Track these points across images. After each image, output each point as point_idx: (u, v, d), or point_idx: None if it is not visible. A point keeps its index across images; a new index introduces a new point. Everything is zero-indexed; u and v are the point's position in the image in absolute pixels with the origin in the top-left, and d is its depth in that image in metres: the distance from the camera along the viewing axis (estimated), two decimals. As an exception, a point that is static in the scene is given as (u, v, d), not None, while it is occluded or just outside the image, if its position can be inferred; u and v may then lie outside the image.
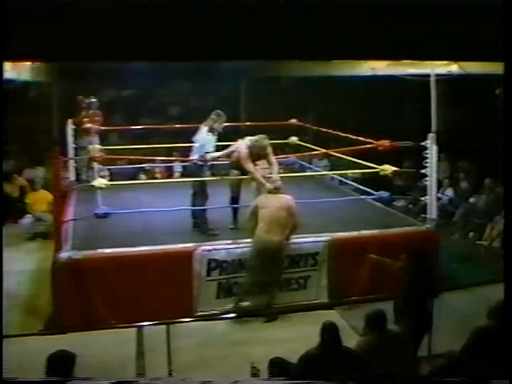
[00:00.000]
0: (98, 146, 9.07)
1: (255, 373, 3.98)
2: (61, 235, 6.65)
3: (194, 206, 7.31)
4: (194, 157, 7.28)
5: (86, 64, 8.50)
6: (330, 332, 4.20)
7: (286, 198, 6.70)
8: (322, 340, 4.17)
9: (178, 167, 11.48)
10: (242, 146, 7.18)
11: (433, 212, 7.52)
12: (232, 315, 6.49)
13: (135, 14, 3.23)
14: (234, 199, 7.36)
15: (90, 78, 11.35)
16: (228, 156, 7.43)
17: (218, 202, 7.39)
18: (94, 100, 10.37)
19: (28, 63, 8.44)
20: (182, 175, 10.07)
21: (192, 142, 7.44)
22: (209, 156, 7.24)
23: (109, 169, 10.14)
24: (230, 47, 3.44)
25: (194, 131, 7.50)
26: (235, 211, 7.35)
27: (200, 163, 7.21)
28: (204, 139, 7.24)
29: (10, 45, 3.02)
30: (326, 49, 3.51)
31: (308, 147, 9.92)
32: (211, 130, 7.29)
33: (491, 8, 3.21)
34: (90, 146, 9.08)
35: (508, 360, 3.28)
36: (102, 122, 10.25)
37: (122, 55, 3.59)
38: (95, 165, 9.43)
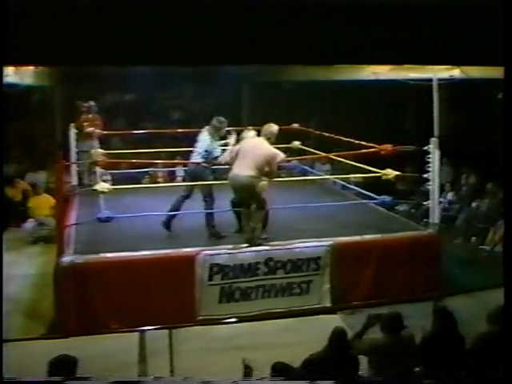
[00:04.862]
0: (101, 150, 9.09)
1: (247, 371, 3.98)
2: (63, 239, 6.66)
3: (177, 209, 7.29)
4: (197, 159, 7.27)
5: (88, 68, 8.53)
6: (338, 338, 4.23)
7: (271, 149, 6.66)
8: (329, 344, 4.20)
9: (180, 171, 11.48)
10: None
11: (435, 216, 7.51)
12: (233, 319, 6.48)
13: (137, 18, 3.24)
14: (236, 203, 7.32)
15: (93, 83, 11.39)
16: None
17: (217, 206, 7.39)
18: (92, 104, 10.36)
19: (31, 68, 8.47)
20: (184, 179, 10.04)
21: (194, 146, 7.45)
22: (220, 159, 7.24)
23: (111, 173, 10.15)
24: (232, 52, 3.44)
25: (197, 135, 7.49)
26: (238, 215, 7.33)
27: (205, 166, 7.22)
28: (209, 143, 7.24)
29: (11, 49, 3.03)
30: (328, 53, 3.52)
31: (310, 152, 9.92)
32: (213, 136, 7.30)
33: (491, 13, 3.22)
34: (93, 150, 9.09)
35: (508, 365, 3.28)
36: (101, 125, 10.25)
37: (125, 60, 3.60)
38: (97, 169, 9.46)
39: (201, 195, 7.25)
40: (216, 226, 7.22)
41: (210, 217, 7.24)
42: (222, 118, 7.37)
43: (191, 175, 7.51)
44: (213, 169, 7.54)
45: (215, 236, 7.14)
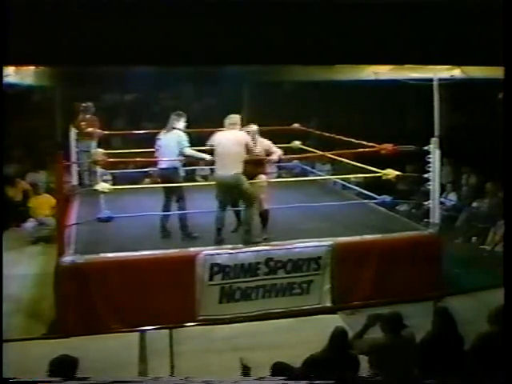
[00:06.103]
0: (101, 150, 9.08)
1: (245, 369, 3.98)
2: (64, 239, 6.66)
3: (166, 210, 7.26)
4: (174, 157, 7.23)
5: (88, 68, 8.53)
6: (339, 338, 4.24)
7: (240, 134, 6.77)
8: (329, 344, 4.21)
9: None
10: None
11: (436, 216, 7.50)
12: (234, 319, 6.48)
13: (137, 18, 3.24)
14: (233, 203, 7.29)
15: (93, 83, 11.38)
16: None
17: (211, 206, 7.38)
18: (90, 104, 10.36)
19: (31, 68, 8.46)
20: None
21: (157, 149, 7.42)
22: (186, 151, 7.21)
23: (112, 173, 10.15)
24: (232, 52, 3.44)
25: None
26: (237, 214, 7.32)
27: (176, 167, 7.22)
28: (178, 137, 7.20)
29: (11, 49, 3.03)
30: (328, 53, 3.52)
31: (311, 151, 9.92)
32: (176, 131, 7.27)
33: (491, 13, 3.22)
34: (93, 150, 9.08)
35: (508, 365, 3.28)
36: (98, 126, 10.24)
37: (125, 60, 3.60)
38: (98, 169, 9.46)
39: (175, 197, 7.18)
40: (189, 227, 7.16)
41: (184, 217, 7.19)
42: (180, 112, 7.39)
43: (164, 177, 7.37)
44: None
45: (188, 236, 7.10)
